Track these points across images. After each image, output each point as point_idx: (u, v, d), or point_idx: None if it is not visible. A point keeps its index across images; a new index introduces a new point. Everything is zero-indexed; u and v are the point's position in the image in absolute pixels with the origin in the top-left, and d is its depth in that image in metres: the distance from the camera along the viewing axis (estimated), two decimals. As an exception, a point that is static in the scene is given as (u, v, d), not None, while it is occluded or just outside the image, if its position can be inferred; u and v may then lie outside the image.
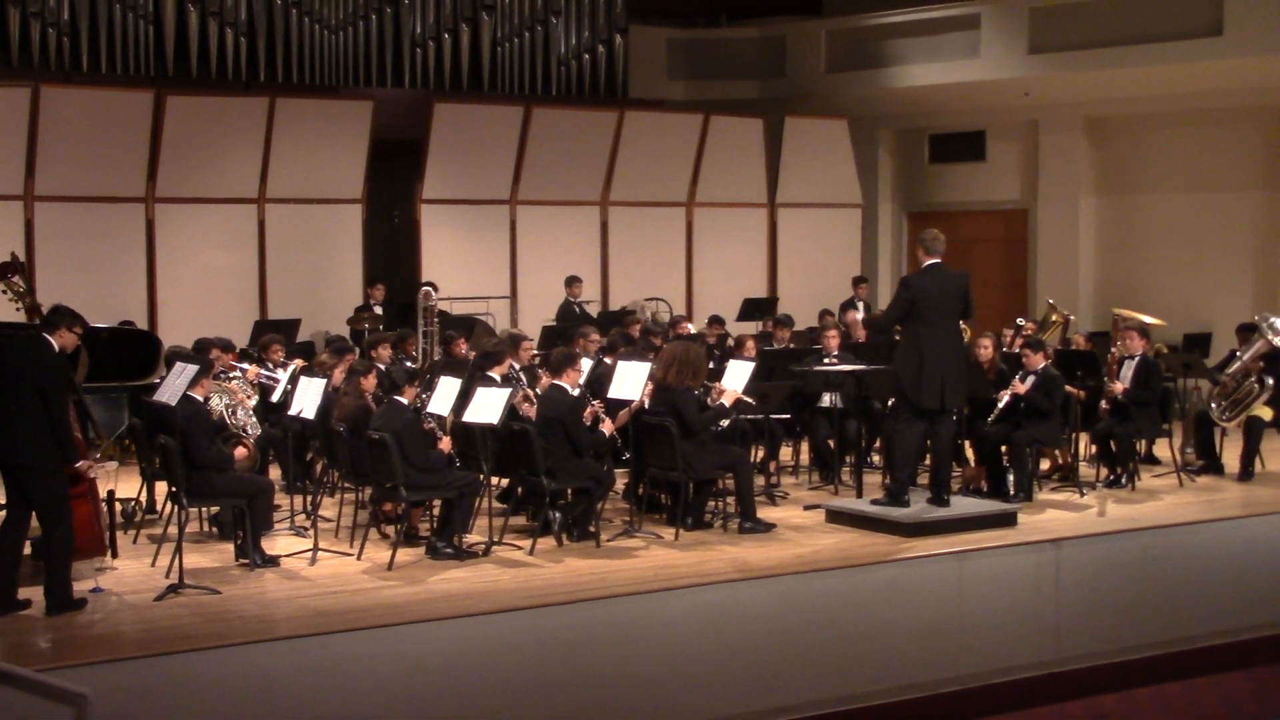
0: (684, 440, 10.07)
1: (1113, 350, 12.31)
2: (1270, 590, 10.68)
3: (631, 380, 10.37)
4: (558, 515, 10.00)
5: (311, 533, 9.84)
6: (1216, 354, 14.94)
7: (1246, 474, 12.59)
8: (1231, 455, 12.93)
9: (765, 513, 10.78)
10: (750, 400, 10.75)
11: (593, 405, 10.20)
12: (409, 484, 9.40)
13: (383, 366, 11.41)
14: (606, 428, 10.17)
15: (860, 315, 14.99)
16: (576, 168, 18.12)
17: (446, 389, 9.99)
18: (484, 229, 17.72)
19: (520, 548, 9.79)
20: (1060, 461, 12.66)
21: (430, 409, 9.90)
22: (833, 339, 12.67)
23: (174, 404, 9.33)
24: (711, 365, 11.82)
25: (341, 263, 16.97)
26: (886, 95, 19.32)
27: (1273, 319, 12.76)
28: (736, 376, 10.88)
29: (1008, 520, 10.47)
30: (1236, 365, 12.70)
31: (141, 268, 15.81)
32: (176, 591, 8.55)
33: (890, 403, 11.21)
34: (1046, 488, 12.15)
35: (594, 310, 17.51)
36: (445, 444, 9.71)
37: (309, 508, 10.53)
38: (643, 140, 18.44)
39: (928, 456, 11.17)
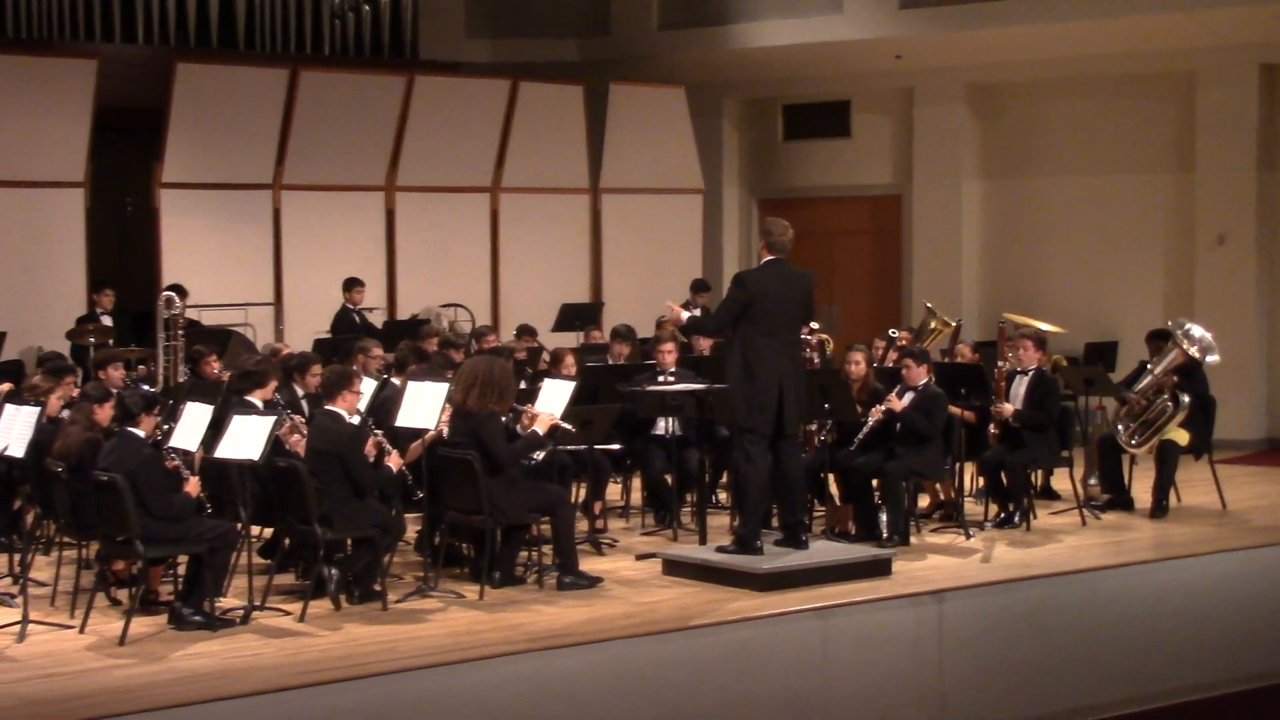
0: (489, 477, 10.05)
1: (1001, 364, 12.60)
2: (1189, 649, 11.01)
3: (425, 405, 10.32)
4: (334, 572, 9.91)
5: (20, 601, 9.60)
6: (1124, 366, 15.39)
7: (1160, 509, 13.00)
8: (1142, 487, 13.35)
9: (589, 564, 10.82)
10: (569, 427, 10.77)
11: (375, 436, 10.12)
12: (146, 537, 9.23)
13: (114, 391, 11.18)
14: (394, 463, 10.11)
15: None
16: (355, 144, 18.00)
17: (194, 418, 9.84)
18: (241, 220, 17.50)
19: (288, 613, 9.68)
20: (942, 497, 12.93)
21: (174, 443, 9.74)
22: (669, 353, 12.77)
23: None
24: (522, 385, 11.81)
25: (59, 262, 16.59)
26: (732, 58, 19.55)
27: (1188, 325, 13.19)
28: (553, 398, 10.90)
29: (880, 568, 10.65)
30: (1147, 380, 13.09)
31: None
32: None
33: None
34: (926, 529, 12.40)
35: (378, 319, 17.41)
36: (192, 486, 9.55)
37: (16, 569, 10.27)
38: (437, 111, 18.40)
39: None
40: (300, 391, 11.37)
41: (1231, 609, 11.26)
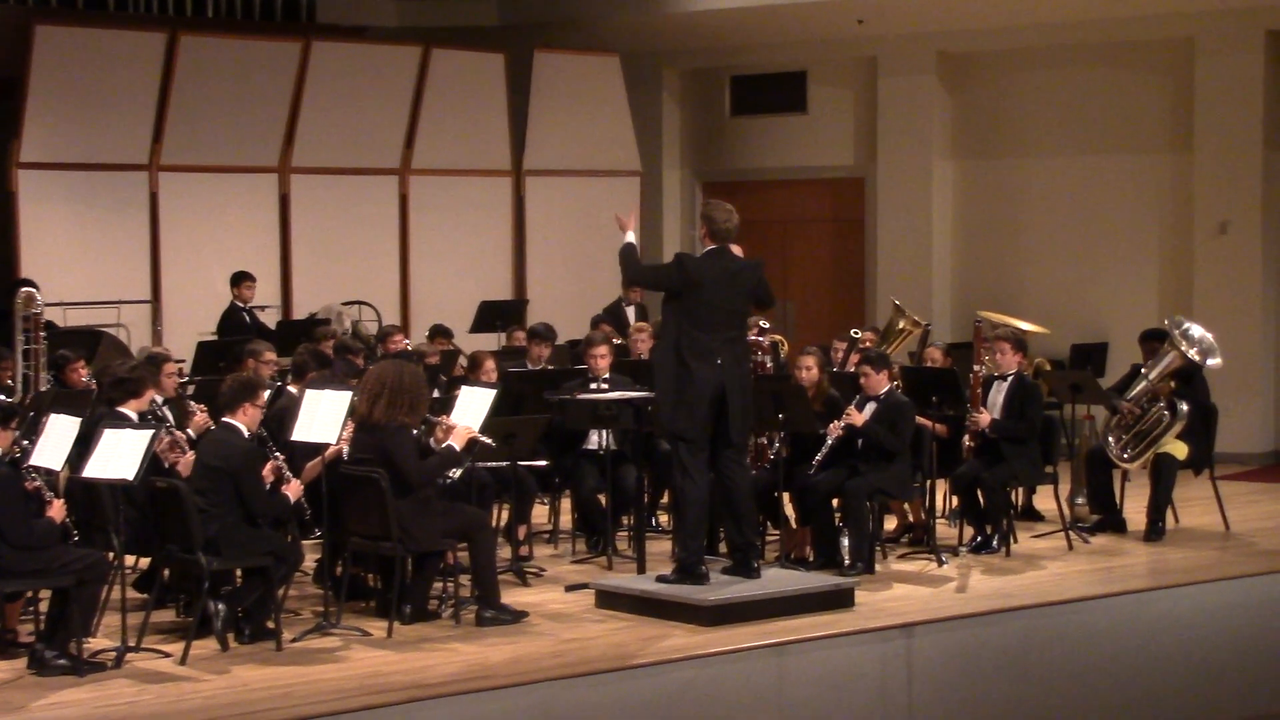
0: (399, 499, 10.03)
1: (977, 368, 12.66)
2: (1188, 687, 11.10)
3: (325, 416, 10.28)
4: (222, 607, 9.86)
5: None
6: (1114, 371, 15.50)
7: (1155, 531, 13.09)
8: (1136, 507, 13.44)
9: (513, 596, 10.81)
10: (489, 441, 10.76)
11: (276, 460, 10.11)
12: (3, 569, 9.17)
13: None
14: (292, 492, 10.09)
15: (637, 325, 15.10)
16: (245, 119, 17.95)
17: (58, 432, 9.77)
18: (112, 205, 17.40)
19: (167, 654, 9.63)
20: (911, 519, 12.99)
21: (35, 461, 9.67)
22: (602, 357, 12.76)
23: None
24: (436, 394, 11.78)
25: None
26: (673, 23, 19.57)
27: (1187, 324, 13.28)
28: (471, 408, 10.89)
29: (842, 600, 10.68)
30: (1141, 386, 13.18)
31: None
32: None
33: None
34: (893, 554, 12.46)
35: (271, 319, 17.35)
36: (56, 510, 9.49)
37: None
38: (338, 82, 18.36)
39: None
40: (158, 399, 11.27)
41: (1235, 643, 11.36)
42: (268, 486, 10.02)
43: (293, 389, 11.56)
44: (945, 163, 19.60)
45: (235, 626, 9.92)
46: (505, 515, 12.34)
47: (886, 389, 11.96)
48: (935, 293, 19.34)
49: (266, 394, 10.68)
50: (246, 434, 10.10)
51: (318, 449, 10.31)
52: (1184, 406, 13.01)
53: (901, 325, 15.02)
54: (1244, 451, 17.27)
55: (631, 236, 11.04)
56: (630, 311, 17.60)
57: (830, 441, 11.79)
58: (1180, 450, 13.15)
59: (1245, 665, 11.35)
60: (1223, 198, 17.72)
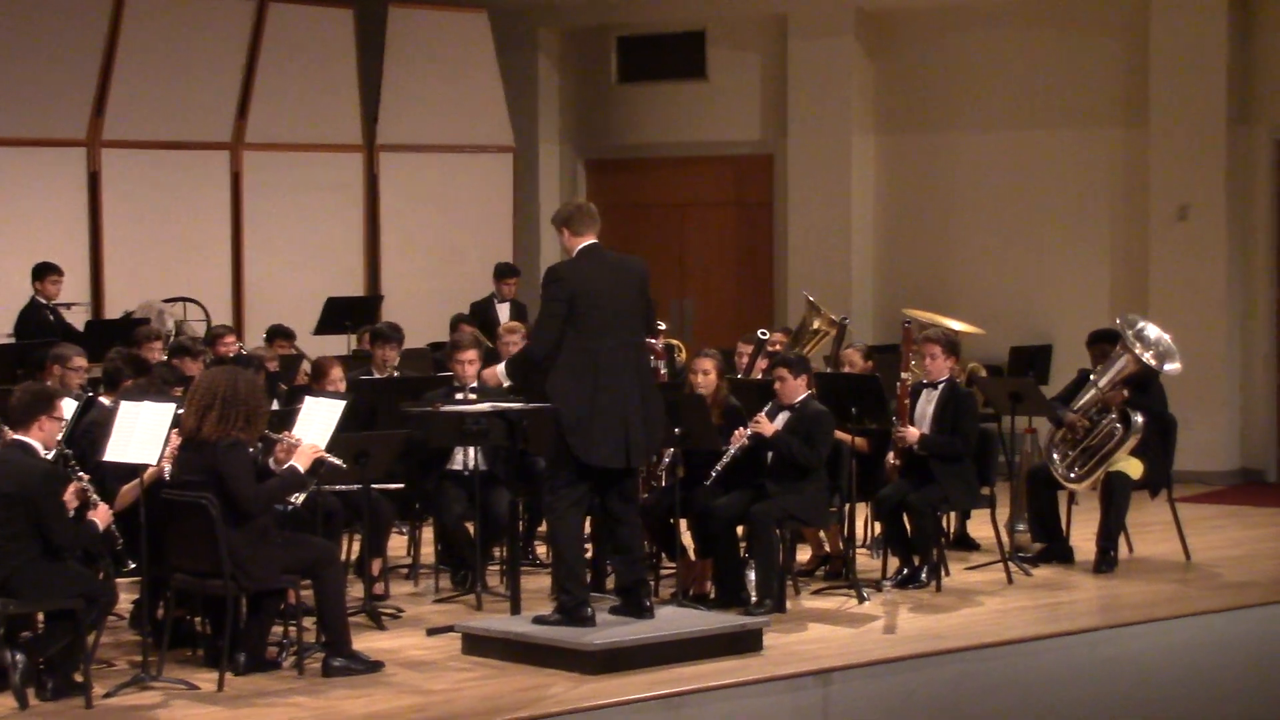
0: (232, 528, 9.97)
1: (904, 375, 12.72)
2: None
3: (144, 432, 10.18)
4: (20, 657, 9.76)
5: None
6: (1059, 378, 15.63)
7: (1106, 561, 13.21)
8: (1084, 534, 13.56)
9: (366, 641, 10.77)
10: (338, 461, 10.72)
11: (79, 481, 9.99)
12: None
13: None
14: (100, 518, 9.97)
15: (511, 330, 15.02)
16: (47, 84, 17.82)
17: None
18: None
19: (-45, 714, 9.54)
20: (828, 549, 13.05)
21: None
22: (470, 363, 12.76)
23: None
24: (275, 405, 11.71)
25: None
26: (551, -26, 19.67)
27: (1141, 324, 13.40)
28: (316, 423, 10.84)
29: (748, 642, 10.70)
30: (1089, 395, 13.29)
31: None
32: None
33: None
34: (807, 590, 12.51)
35: (79, 318, 17.20)
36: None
37: None
38: (157, 41, 18.28)
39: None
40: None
41: (1196, 689, 11.46)
42: (71, 513, 9.90)
43: (105, 400, 11.44)
44: (866, 138, 19.70)
45: (36, 680, 9.80)
46: (356, 547, 12.29)
47: (803, 396, 12.00)
48: (855, 287, 19.44)
49: (66, 404, 10.56)
50: (43, 452, 9.99)
51: (135, 470, 10.21)
52: (1138, 418, 13.12)
53: (816, 325, 15.09)
54: (1207, 470, 17.47)
55: (501, 369, 11.18)
56: (503, 310, 17.57)
57: (732, 450, 11.81)
58: (1134, 468, 13.27)
59: (1208, 714, 11.45)
60: (1182, 178, 17.88)
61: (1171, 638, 11.58)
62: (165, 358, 13.25)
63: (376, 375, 13.74)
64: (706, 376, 12.14)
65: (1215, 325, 17.75)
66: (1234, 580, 13.04)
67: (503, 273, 18.25)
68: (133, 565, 10.48)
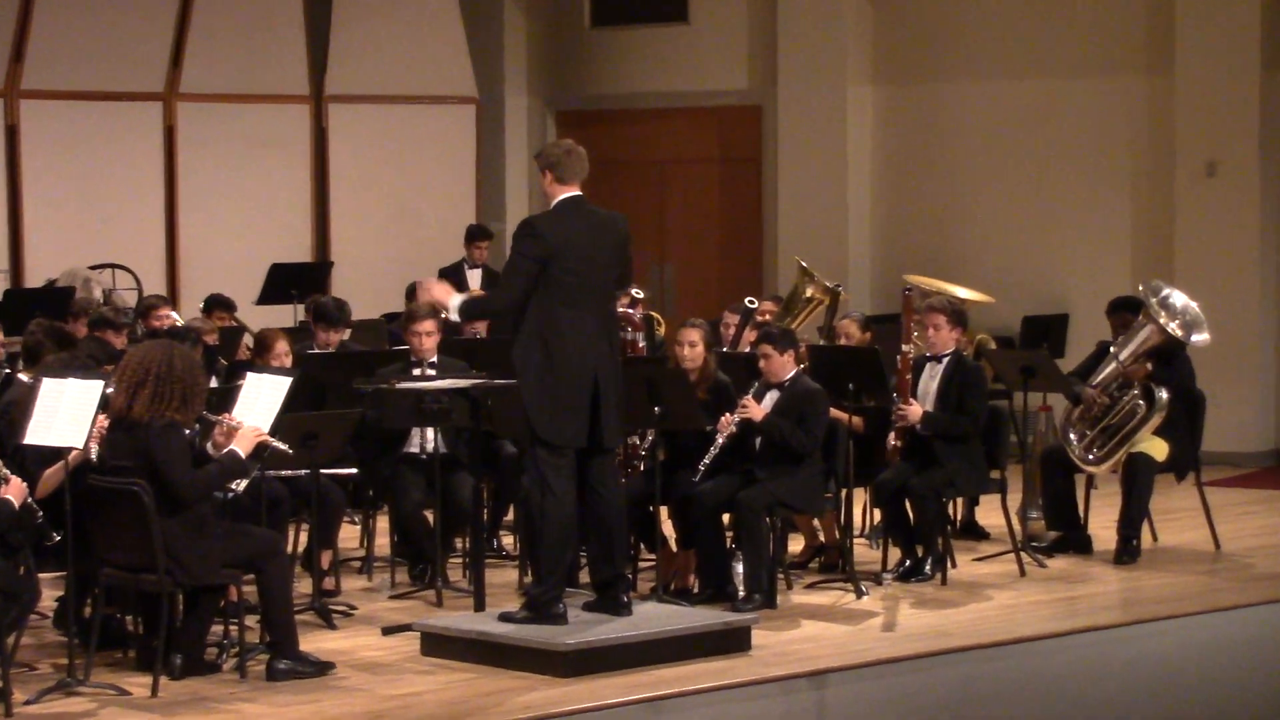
0: (167, 518, 9.97)
1: (905, 348, 12.73)
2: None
3: (69, 412, 10.18)
4: (-67, 661, 9.78)
5: None
6: (1076, 350, 15.66)
7: (1128, 551, 13.24)
8: (1104, 521, 13.61)
9: (315, 642, 10.77)
10: (283, 446, 10.72)
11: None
12: None
13: None
14: (14, 494, 9.87)
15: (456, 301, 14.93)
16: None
17: None
18: None
19: None
20: (823, 539, 13.06)
21: None
22: (428, 335, 12.76)
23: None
24: (215, 383, 11.70)
25: None
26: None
27: (1165, 290, 13.42)
28: (260, 402, 10.82)
29: (736, 641, 10.73)
30: (1110, 369, 13.31)
31: None
32: None
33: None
34: (800, 583, 12.53)
35: (-3, 288, 17.22)
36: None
37: None
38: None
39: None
40: None
41: (1226, 690, 11.50)
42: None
43: (24, 377, 11.43)
44: (863, 88, 19.69)
45: (-47, 684, 9.83)
46: (304, 538, 12.29)
47: (792, 374, 12.00)
48: (852, 252, 19.45)
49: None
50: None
51: (59, 454, 10.20)
52: (1163, 395, 13.14)
53: (809, 293, 15.07)
54: (1238, 451, 17.48)
55: (456, 300, 10.97)
56: (474, 276, 17.54)
57: (720, 440, 11.81)
58: (1159, 449, 13.30)
59: (1239, 717, 11.50)
60: (1210, 132, 17.88)
61: (1199, 635, 11.61)
62: (98, 330, 13.23)
63: (330, 351, 13.69)
64: (694, 349, 12.08)
65: (1247, 292, 17.77)
66: (1267, 572, 13.07)
67: (474, 235, 18.20)
68: (57, 538, 10.47)
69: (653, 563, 12.24)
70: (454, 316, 11.23)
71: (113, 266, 18.07)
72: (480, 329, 14.19)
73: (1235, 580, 12.87)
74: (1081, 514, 13.61)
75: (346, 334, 14.09)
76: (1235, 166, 17.79)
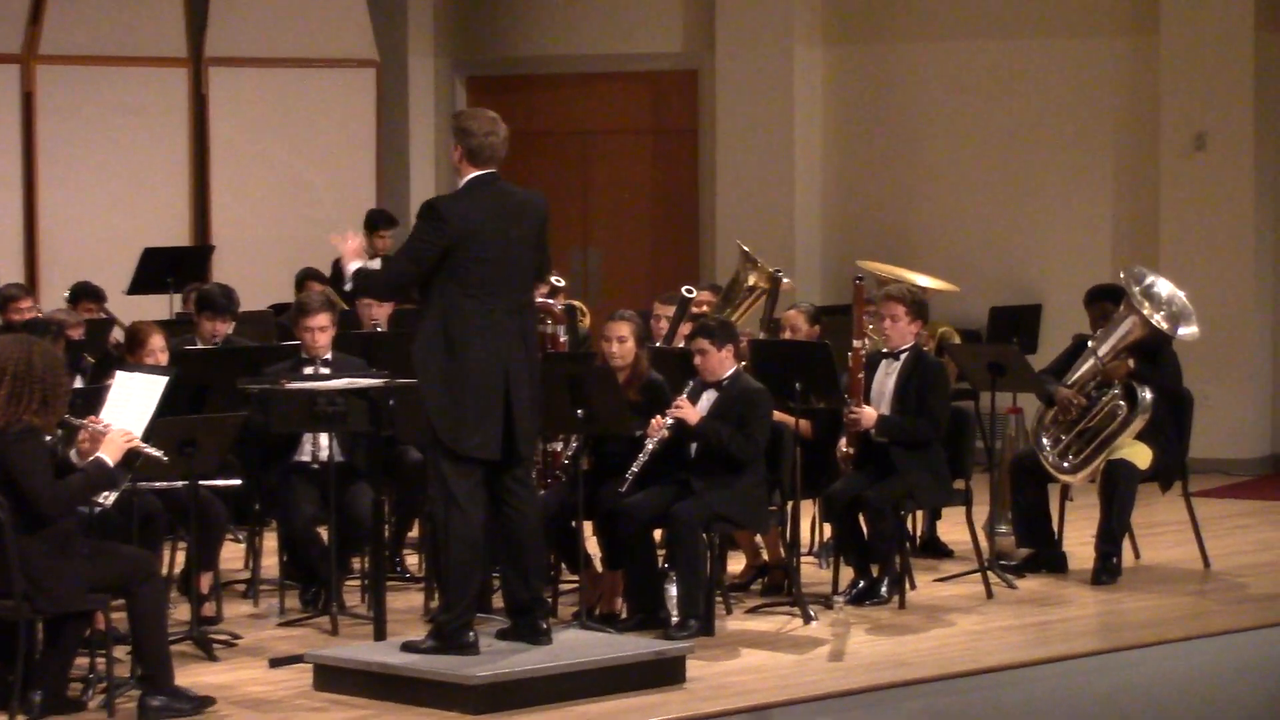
0: (24, 535, 9.92)
1: (858, 342, 12.75)
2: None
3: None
4: None
5: None
6: (1050, 345, 15.72)
7: (1107, 570, 13.30)
8: (1081, 536, 13.67)
9: (192, 675, 10.74)
10: (158, 453, 10.66)
11: None
12: None
13: None
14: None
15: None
16: None
17: None
18: None
19: None
20: (766, 557, 13.08)
21: None
22: (321, 330, 12.73)
23: None
24: (79, 383, 11.65)
25: None
26: None
27: (1149, 279, 13.48)
28: (131, 404, 10.77)
29: (668, 673, 10.72)
30: (1088, 366, 13.37)
31: None
32: None
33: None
34: (741, 607, 12.55)
35: None
36: None
37: None
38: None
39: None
40: None
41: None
42: None
43: None
44: (812, 50, 19.72)
45: None
46: (181, 558, 12.25)
47: (731, 371, 12.01)
48: (799, 235, 19.49)
49: None
50: None
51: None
52: (1147, 395, 13.20)
53: (752, 281, 15.09)
54: (1229, 457, 17.60)
55: (356, 264, 11.02)
56: (374, 265, 17.48)
57: (650, 446, 11.82)
58: (1142, 456, 13.34)
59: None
60: (1199, 99, 17.97)
61: (1186, 663, 11.66)
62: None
63: (210, 347, 13.66)
64: (623, 344, 12.11)
65: (1240, 280, 17.86)
66: (1261, 593, 13.15)
67: (375, 223, 18.14)
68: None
69: (575, 585, 12.23)
70: (348, 285, 11.20)
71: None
72: (380, 319, 14.14)
73: (1226, 602, 12.94)
74: (1055, 529, 13.67)
75: (233, 326, 14.03)
76: (1227, 139, 17.87)
